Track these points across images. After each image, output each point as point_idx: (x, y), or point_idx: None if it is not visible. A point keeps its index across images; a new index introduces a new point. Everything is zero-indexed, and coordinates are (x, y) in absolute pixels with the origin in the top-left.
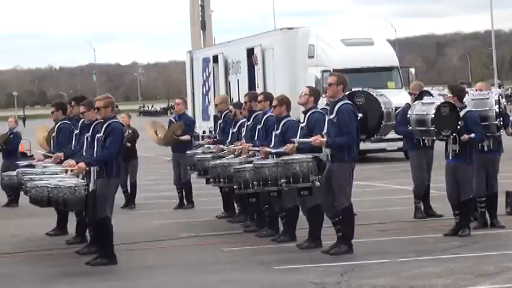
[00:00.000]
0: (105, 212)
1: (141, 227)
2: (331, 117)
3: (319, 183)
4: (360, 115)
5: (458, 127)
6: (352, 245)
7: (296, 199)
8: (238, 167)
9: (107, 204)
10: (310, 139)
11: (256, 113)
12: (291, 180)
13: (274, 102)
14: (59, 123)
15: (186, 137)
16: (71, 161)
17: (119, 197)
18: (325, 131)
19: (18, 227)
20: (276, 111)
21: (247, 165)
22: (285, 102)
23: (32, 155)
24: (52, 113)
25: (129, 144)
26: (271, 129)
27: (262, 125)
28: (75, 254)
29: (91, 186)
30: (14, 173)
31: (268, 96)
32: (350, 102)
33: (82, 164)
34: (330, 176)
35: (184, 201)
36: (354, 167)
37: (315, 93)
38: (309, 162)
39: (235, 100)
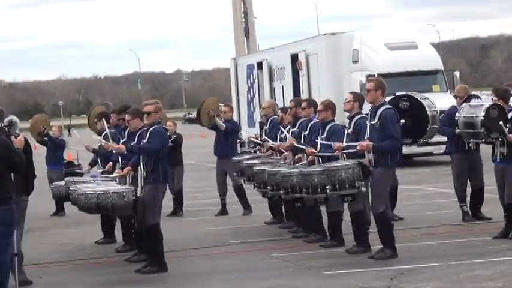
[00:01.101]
0: (155, 219)
1: (190, 234)
2: (373, 122)
3: (364, 189)
4: (402, 121)
5: (506, 129)
6: (396, 248)
7: (339, 204)
8: (285, 172)
9: (156, 210)
10: (356, 143)
11: (301, 120)
12: (337, 186)
13: (320, 107)
14: (104, 132)
15: (221, 123)
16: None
17: (167, 205)
18: (367, 136)
19: (67, 236)
20: (321, 116)
21: (293, 170)
22: (330, 107)
23: (79, 164)
24: (95, 123)
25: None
26: (317, 135)
27: (308, 131)
28: (124, 262)
29: (139, 192)
30: (62, 183)
31: (312, 103)
32: (391, 106)
33: (121, 146)
34: (372, 181)
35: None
36: (394, 171)
37: (358, 98)
38: (354, 169)
39: (280, 106)
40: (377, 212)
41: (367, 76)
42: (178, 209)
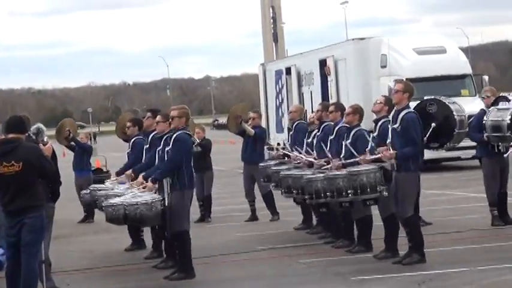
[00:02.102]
0: (183, 226)
1: (217, 240)
2: (395, 126)
3: (386, 193)
4: (433, 124)
5: None
6: (425, 253)
7: (367, 209)
8: (310, 176)
9: (184, 217)
10: (379, 155)
11: (325, 124)
12: (359, 191)
13: (348, 110)
14: (134, 138)
15: (249, 129)
16: (140, 179)
17: (194, 211)
18: (389, 140)
19: (94, 242)
20: (348, 118)
21: (318, 175)
22: (358, 111)
23: (108, 171)
24: (128, 128)
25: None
26: (343, 139)
27: (334, 135)
28: (151, 269)
29: (167, 200)
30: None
31: (339, 107)
32: (413, 110)
33: (149, 184)
34: (396, 186)
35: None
36: (419, 175)
37: (389, 102)
38: (376, 173)
39: (309, 111)
40: (406, 217)
41: (396, 81)
42: (206, 214)
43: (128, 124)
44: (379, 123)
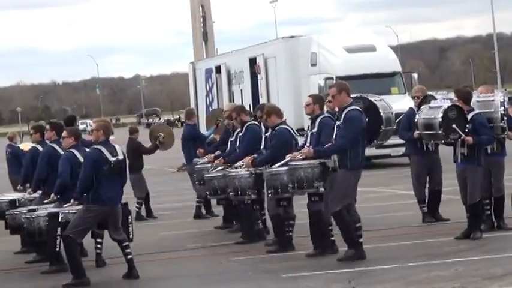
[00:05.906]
0: (70, 231)
1: (148, 238)
2: (339, 123)
3: (323, 189)
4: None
5: (466, 130)
6: (362, 249)
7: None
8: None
9: (77, 226)
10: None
11: (248, 123)
12: (296, 185)
13: (264, 116)
14: (30, 147)
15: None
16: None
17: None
18: (334, 136)
19: None
20: (269, 122)
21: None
22: (272, 112)
23: None
24: (31, 135)
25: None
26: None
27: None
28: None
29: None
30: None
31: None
32: (357, 107)
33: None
34: (331, 182)
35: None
36: (359, 175)
37: (318, 100)
38: (314, 168)
39: None
40: (332, 212)
41: (326, 79)
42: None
43: (31, 131)
44: (318, 120)
